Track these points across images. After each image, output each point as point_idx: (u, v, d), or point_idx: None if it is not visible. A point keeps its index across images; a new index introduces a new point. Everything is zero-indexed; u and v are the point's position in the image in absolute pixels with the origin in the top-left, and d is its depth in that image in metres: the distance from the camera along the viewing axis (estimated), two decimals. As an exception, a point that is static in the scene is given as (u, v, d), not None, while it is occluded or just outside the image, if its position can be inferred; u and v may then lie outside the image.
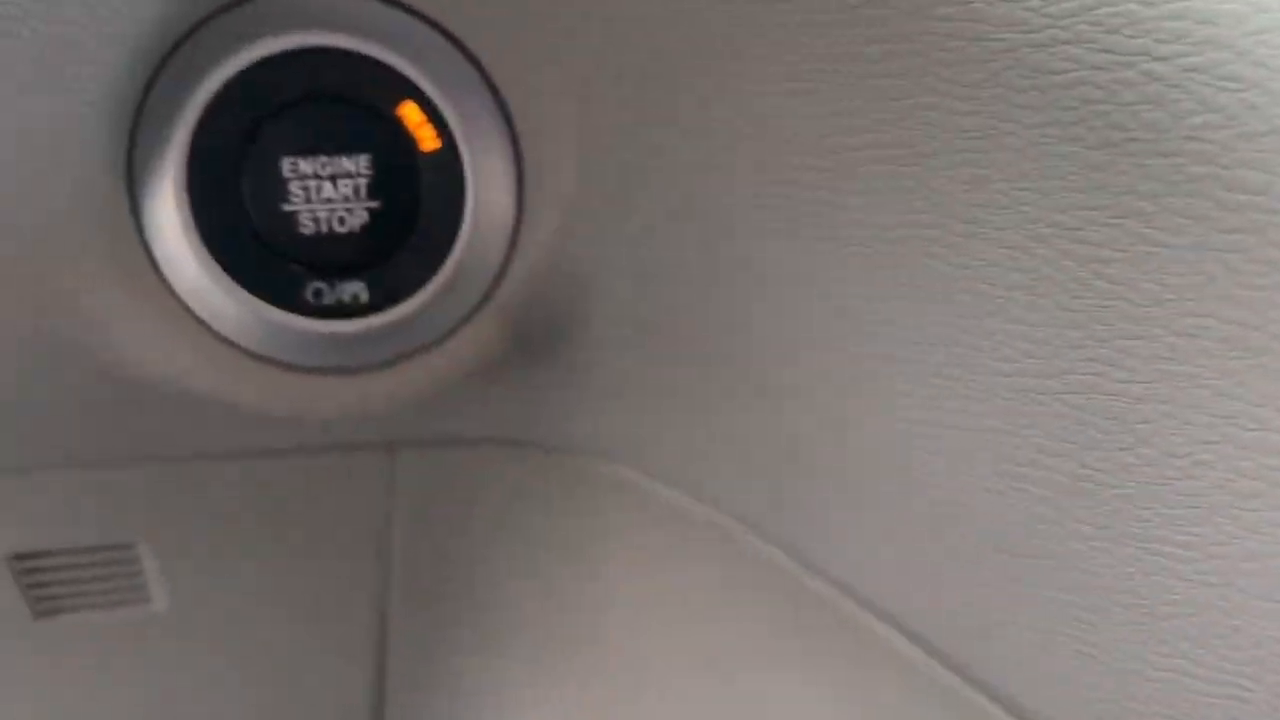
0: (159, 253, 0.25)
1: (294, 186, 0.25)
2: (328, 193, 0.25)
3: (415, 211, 0.26)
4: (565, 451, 0.34)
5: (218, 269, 0.25)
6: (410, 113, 0.25)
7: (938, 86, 0.19)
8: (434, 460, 0.35)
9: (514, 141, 0.26)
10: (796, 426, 0.25)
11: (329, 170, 0.25)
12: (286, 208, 0.25)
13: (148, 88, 0.24)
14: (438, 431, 0.33)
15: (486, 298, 0.27)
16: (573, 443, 0.33)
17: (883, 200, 0.21)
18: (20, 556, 0.33)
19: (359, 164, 0.25)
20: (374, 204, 0.25)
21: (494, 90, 0.25)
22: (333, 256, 0.26)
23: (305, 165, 0.25)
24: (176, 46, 0.24)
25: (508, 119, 0.26)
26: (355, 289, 0.26)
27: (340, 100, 0.25)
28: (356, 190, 0.25)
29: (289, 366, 0.27)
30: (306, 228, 0.25)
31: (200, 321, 0.26)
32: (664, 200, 0.25)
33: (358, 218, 0.25)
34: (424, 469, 0.35)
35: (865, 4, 0.19)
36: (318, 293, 0.26)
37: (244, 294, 0.26)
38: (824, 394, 0.24)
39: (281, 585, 0.38)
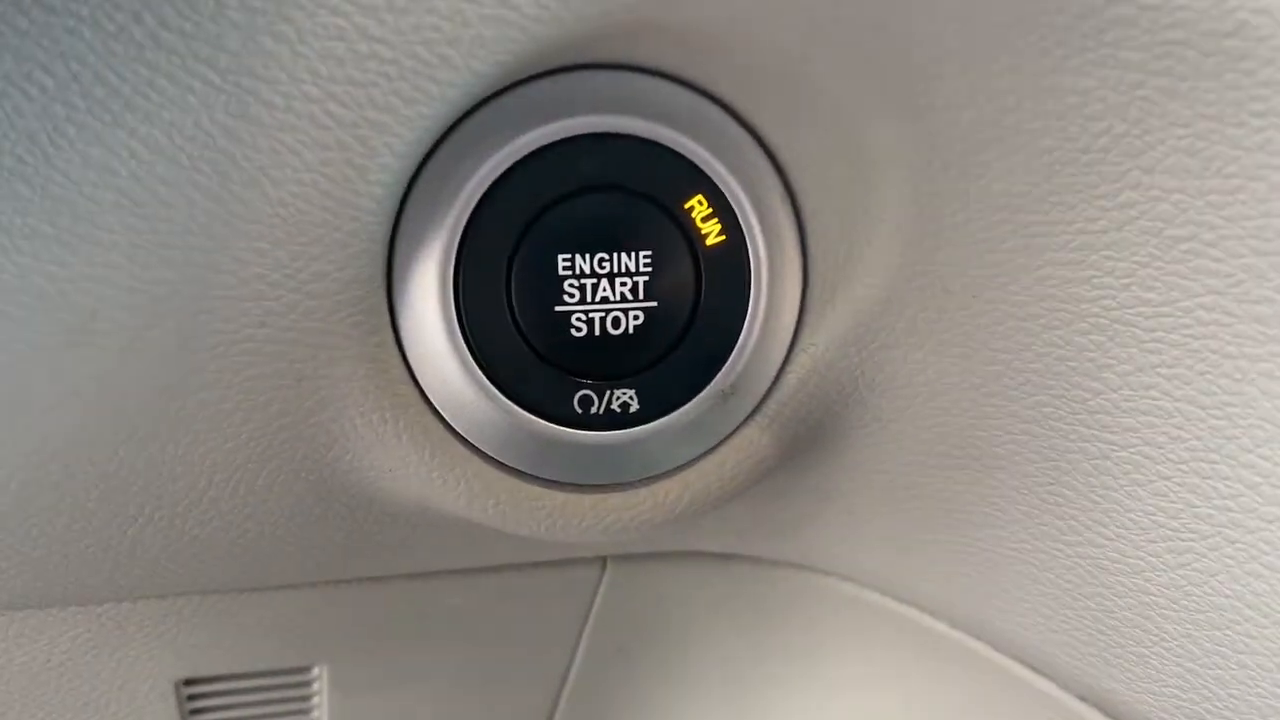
0: (414, 352, 0.23)
1: (569, 285, 0.22)
2: (604, 292, 0.23)
3: (694, 310, 0.23)
4: (785, 565, 0.31)
5: (479, 374, 0.23)
6: (698, 205, 0.23)
7: None
8: (637, 573, 0.32)
9: (801, 235, 0.24)
10: (1134, 573, 0.22)
11: (607, 268, 0.22)
12: (559, 309, 0.22)
13: (419, 168, 0.21)
14: (658, 544, 0.30)
15: (761, 405, 0.25)
16: (802, 558, 0.30)
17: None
18: (190, 682, 0.30)
19: (638, 260, 0.23)
20: (651, 304, 0.23)
21: (784, 180, 0.23)
22: (604, 362, 0.23)
23: (582, 262, 0.22)
24: (454, 126, 0.21)
25: (796, 210, 0.23)
26: (625, 397, 0.23)
27: (623, 191, 0.22)
28: (634, 289, 0.23)
29: (546, 482, 0.24)
30: (578, 330, 0.23)
31: (453, 431, 0.24)
32: (990, 300, 0.22)
33: (634, 318, 0.23)
34: (625, 581, 0.32)
35: None
36: (585, 401, 0.23)
37: (506, 403, 0.23)
38: (1173, 532, 0.21)
39: (449, 701, 0.35)
